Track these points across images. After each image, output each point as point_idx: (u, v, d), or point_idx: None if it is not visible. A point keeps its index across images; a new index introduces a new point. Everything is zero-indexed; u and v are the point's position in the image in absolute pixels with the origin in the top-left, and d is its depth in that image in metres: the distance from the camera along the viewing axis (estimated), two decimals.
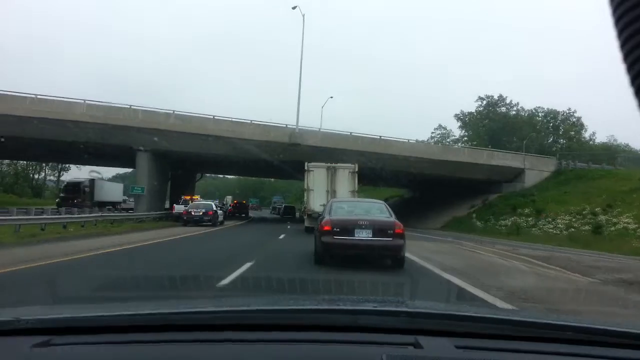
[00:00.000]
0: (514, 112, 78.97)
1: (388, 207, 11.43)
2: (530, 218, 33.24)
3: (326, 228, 9.94)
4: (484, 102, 79.29)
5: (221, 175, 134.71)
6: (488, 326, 1.58)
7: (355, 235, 9.76)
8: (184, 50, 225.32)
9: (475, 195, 40.74)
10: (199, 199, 32.42)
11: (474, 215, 37.01)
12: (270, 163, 37.08)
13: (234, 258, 10.08)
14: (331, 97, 40.59)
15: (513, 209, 35.59)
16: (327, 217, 10.41)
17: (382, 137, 35.64)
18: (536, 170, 41.21)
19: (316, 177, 23.61)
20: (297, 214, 54.90)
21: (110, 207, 37.96)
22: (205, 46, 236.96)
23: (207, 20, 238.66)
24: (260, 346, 1.41)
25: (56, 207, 33.24)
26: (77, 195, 43.13)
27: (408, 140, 36.46)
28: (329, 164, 24.05)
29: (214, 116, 32.15)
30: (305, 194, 24.94)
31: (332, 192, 22.91)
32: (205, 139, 31.52)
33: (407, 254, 10.87)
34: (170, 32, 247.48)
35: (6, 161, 75.31)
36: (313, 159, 34.75)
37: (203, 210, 26.19)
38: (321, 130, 34.87)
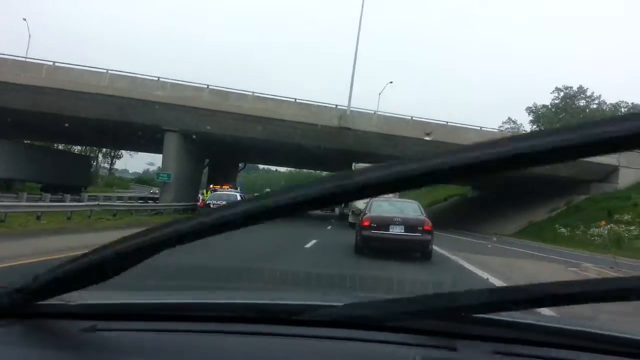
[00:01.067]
0: (594, 106, 71.30)
1: (420, 206, 12.75)
2: (633, 227, 26.87)
3: (365, 223, 11.33)
4: (561, 93, 72.22)
5: (274, 169, 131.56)
6: (530, 333, 1.46)
7: (390, 230, 11.12)
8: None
9: (556, 196, 34.51)
10: (229, 188, 28.21)
11: (558, 220, 30.87)
12: (316, 151, 32.79)
13: None
14: (390, 82, 35.54)
15: (608, 214, 29.24)
16: (367, 214, 11.77)
17: (449, 123, 30.19)
18: (634, 168, 34.26)
19: None
20: (337, 210, 52.90)
21: (62, 194, 23.44)
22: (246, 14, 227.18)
23: None
24: (292, 341, 1.38)
25: None
26: None
27: (480, 128, 30.66)
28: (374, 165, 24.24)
29: (253, 93, 27.89)
30: None
31: None
32: (242, 119, 27.36)
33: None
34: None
35: (60, 146, 74.52)
36: (366, 148, 30.22)
37: (223, 202, 20.82)
38: (377, 113, 29.85)
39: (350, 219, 23.95)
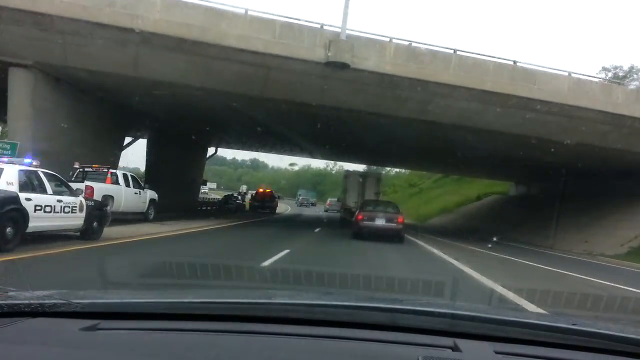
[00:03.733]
0: None
1: (397, 205, 19.36)
2: None
3: (359, 217, 17.16)
4: (609, 74, 59.72)
5: (283, 167, 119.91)
6: (529, 332, 1.47)
7: (376, 222, 16.84)
8: None
9: None
10: (111, 172, 15.48)
11: None
12: (300, 120, 20.73)
13: None
14: None
15: None
16: (360, 211, 17.85)
17: (517, 63, 17.37)
18: None
19: (352, 181, 29.94)
20: (326, 207, 56.24)
21: None
22: None
23: None
24: (296, 340, 1.38)
25: None
26: None
27: (569, 73, 17.86)
28: (361, 172, 33.03)
29: None
30: (343, 193, 31.36)
31: (362, 194, 28.16)
32: (150, 44, 14.94)
33: None
34: None
35: None
36: (376, 105, 17.71)
37: None
38: (394, 40, 16.98)
39: (343, 215, 29.01)
